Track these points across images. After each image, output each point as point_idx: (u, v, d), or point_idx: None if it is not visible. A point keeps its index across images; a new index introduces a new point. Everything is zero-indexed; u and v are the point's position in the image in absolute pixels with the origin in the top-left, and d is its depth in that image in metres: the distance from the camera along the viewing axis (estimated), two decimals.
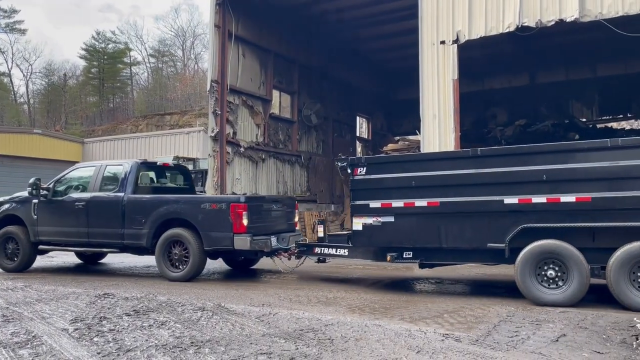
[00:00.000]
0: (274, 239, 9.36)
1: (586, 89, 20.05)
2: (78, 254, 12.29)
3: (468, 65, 15.81)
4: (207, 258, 9.54)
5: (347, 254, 8.83)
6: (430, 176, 7.81)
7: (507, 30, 11.62)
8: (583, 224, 6.70)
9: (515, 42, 15.33)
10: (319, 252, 9.29)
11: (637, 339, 5.13)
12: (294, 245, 9.69)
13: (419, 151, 13.39)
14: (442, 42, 12.34)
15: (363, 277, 9.87)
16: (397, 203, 7.94)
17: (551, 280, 6.77)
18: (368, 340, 5.07)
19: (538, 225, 6.91)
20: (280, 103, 18.61)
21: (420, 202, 7.79)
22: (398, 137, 23.51)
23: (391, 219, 8.00)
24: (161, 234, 9.36)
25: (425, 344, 4.93)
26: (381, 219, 8.02)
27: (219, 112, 15.25)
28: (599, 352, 4.78)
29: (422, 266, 8.04)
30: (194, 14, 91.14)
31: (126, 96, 50.24)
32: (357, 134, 23.50)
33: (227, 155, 15.46)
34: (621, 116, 20.65)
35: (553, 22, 11.08)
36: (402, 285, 9.03)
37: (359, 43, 20.07)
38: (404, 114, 23.68)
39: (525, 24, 11.34)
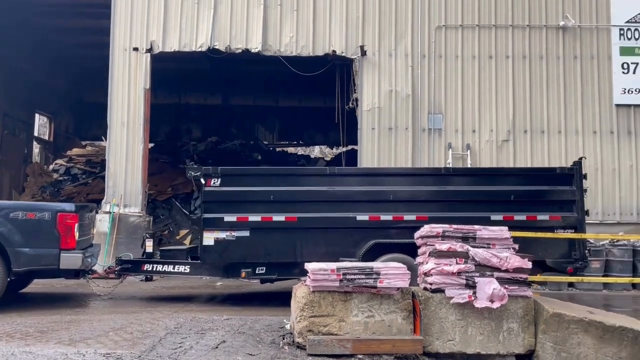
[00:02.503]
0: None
1: (269, 115, 22.44)
2: None
3: (166, 77, 15.85)
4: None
5: (188, 270, 7.87)
6: (289, 191, 7.79)
7: (200, 50, 12.08)
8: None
9: (212, 62, 16.13)
10: (149, 269, 8.27)
11: (283, 338, 5.84)
12: (114, 262, 8.55)
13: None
14: (135, 49, 12.00)
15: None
16: (254, 217, 7.71)
17: None
18: None
19: (387, 240, 7.27)
20: None
21: (278, 217, 7.66)
22: (86, 142, 21.71)
23: (247, 233, 7.71)
24: None
25: None
26: (235, 233, 7.66)
27: None
28: (251, 354, 5.24)
29: (263, 281, 7.80)
30: None
31: None
32: (36, 134, 20.67)
33: None
34: (295, 142, 23.87)
35: (240, 50, 12.05)
36: (74, 304, 8.20)
37: (46, 31, 17.81)
38: (94, 117, 21.91)
39: (217, 47, 12.00)
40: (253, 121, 22.79)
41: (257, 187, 7.95)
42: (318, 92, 18.29)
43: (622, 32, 12.03)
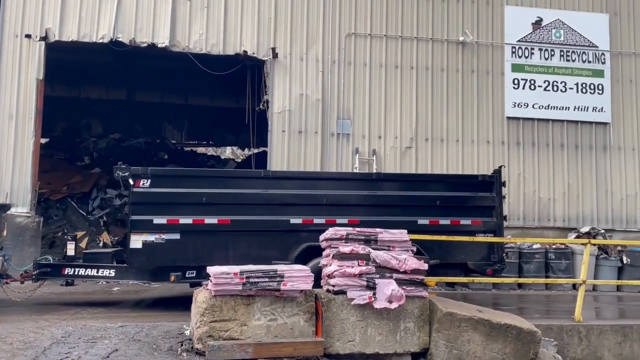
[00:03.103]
0: None
1: (178, 113, 21.70)
2: None
3: (64, 68, 14.76)
4: None
5: (114, 274, 7.69)
6: (222, 193, 7.69)
7: (102, 41, 11.43)
8: None
9: (116, 55, 15.28)
10: (71, 273, 7.89)
11: (182, 344, 5.63)
12: (31, 265, 7.99)
13: None
14: (28, 36, 11.11)
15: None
16: (186, 219, 7.52)
17: None
18: None
19: (320, 243, 6.96)
20: None
21: (211, 220, 7.52)
22: None
23: (177, 236, 7.51)
24: None
25: None
26: (165, 236, 7.45)
27: None
28: None
29: (192, 285, 7.44)
30: None
31: None
32: None
33: None
34: (205, 142, 23.29)
35: (146, 45, 11.55)
36: None
37: None
38: None
39: (120, 40, 11.41)
40: (160, 119, 21.92)
41: (188, 188, 7.74)
42: (230, 92, 18.00)
43: (514, 50, 13.04)
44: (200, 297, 5.48)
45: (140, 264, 7.65)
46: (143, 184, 7.64)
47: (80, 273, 7.96)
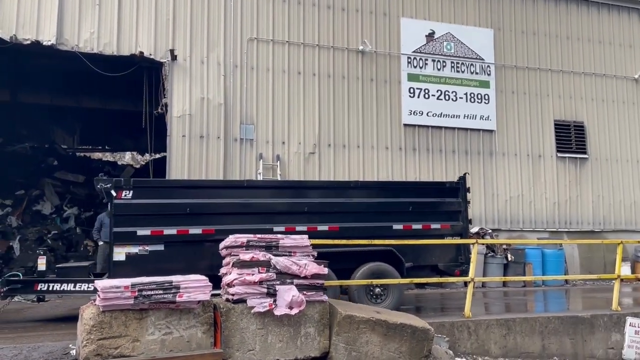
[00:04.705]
0: None
1: (69, 117, 20.26)
2: None
3: None
4: None
5: (92, 288, 7.35)
6: (206, 204, 7.73)
7: None
8: (333, 250, 7.27)
9: None
10: (44, 289, 7.68)
11: None
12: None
13: None
14: None
15: None
16: (170, 230, 7.54)
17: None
18: None
19: None
20: None
21: (195, 230, 7.53)
22: None
23: (161, 247, 7.50)
24: None
25: None
26: (149, 248, 7.44)
27: None
28: None
29: None
30: None
31: None
32: None
33: None
34: (100, 147, 21.95)
35: (29, 42, 10.67)
36: None
37: None
38: None
39: None
40: (49, 122, 20.34)
41: (172, 199, 7.71)
42: (126, 94, 17.05)
43: (409, 60, 13.67)
44: (87, 313, 5.11)
45: (124, 277, 7.13)
46: (125, 195, 7.54)
47: (55, 288, 7.76)
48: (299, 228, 7.90)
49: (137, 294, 5.11)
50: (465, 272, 8.70)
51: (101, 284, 5.15)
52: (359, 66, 13.24)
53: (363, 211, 8.45)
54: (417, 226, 8.57)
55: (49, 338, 6.35)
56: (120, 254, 7.48)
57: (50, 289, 7.76)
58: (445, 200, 8.92)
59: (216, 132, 11.96)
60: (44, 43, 10.76)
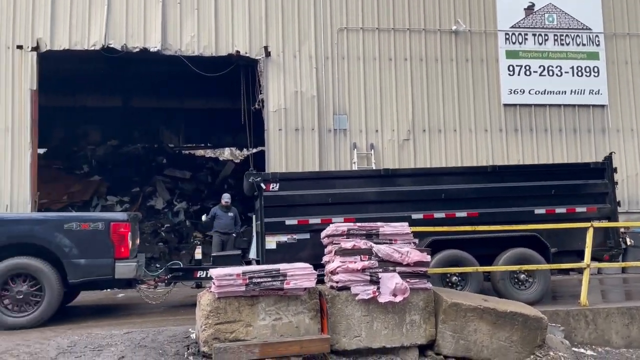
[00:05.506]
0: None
1: (174, 117, 21.66)
2: None
3: (57, 77, 14.72)
4: None
5: None
6: (347, 193, 8.04)
7: (94, 48, 11.40)
8: (475, 236, 7.46)
9: (110, 62, 15.25)
10: (202, 276, 8.32)
11: (188, 348, 5.63)
12: (162, 270, 8.49)
13: None
14: (19, 47, 11.07)
15: None
16: (314, 220, 7.83)
17: (452, 284, 7.74)
18: None
19: (443, 237, 7.41)
20: None
21: (338, 219, 7.61)
22: None
23: (307, 235, 7.83)
24: None
25: None
26: (296, 236, 7.83)
27: None
28: None
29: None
30: None
31: None
32: None
33: None
34: (203, 145, 23.24)
35: (138, 49, 11.51)
36: None
37: None
38: None
39: (112, 46, 11.38)
40: (157, 123, 21.87)
41: (315, 190, 8.12)
42: (224, 93, 17.90)
43: (507, 36, 12.98)
44: (204, 300, 5.47)
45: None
46: (273, 187, 8.01)
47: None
48: (437, 215, 8.03)
49: (247, 281, 5.37)
50: (614, 257, 8.29)
51: (215, 272, 5.48)
52: (452, 47, 12.80)
53: (503, 196, 8.29)
54: (560, 210, 8.25)
55: (170, 323, 6.89)
56: (271, 242, 7.97)
57: (208, 275, 8.14)
58: (589, 182, 8.49)
59: (310, 124, 12.18)
60: (151, 49, 11.57)
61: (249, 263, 8.52)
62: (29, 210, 10.87)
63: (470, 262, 7.58)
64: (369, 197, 8.17)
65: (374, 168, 11.83)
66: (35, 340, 6.11)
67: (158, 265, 9.24)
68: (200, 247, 9.09)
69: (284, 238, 7.97)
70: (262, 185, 7.98)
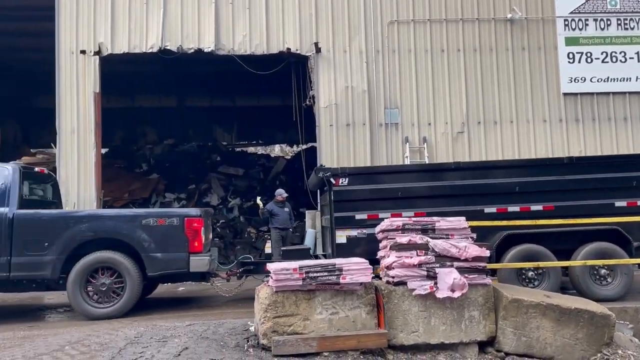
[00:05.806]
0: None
1: (227, 116, 22.14)
2: None
3: (117, 79, 15.36)
4: None
5: None
6: (416, 187, 7.91)
7: (151, 51, 11.80)
8: (552, 230, 7.35)
9: (165, 63, 15.77)
10: None
11: (248, 340, 5.75)
12: (234, 263, 8.72)
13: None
14: (83, 52, 11.61)
15: None
16: (384, 214, 7.58)
17: (528, 280, 7.54)
18: None
19: (518, 231, 7.28)
20: None
21: (407, 213, 7.44)
22: (36, 150, 20.87)
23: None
24: (74, 261, 7.43)
25: None
26: (366, 231, 7.70)
27: None
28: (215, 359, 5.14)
29: None
30: None
31: None
32: None
33: None
34: (254, 142, 23.65)
35: (193, 50, 11.82)
36: (29, 318, 7.87)
37: None
38: (45, 123, 20.97)
39: (168, 48, 11.75)
40: (210, 122, 22.43)
41: (384, 184, 8.02)
42: (275, 90, 18.14)
43: (566, 22, 12.45)
44: (262, 293, 5.57)
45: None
46: (342, 182, 7.96)
47: None
48: (510, 209, 7.79)
49: (304, 275, 5.43)
50: None
51: (273, 266, 5.57)
52: (507, 36, 12.41)
53: (580, 188, 7.93)
54: None
55: (230, 316, 7.07)
56: (341, 237, 7.94)
57: None
58: None
59: (361, 118, 12.15)
60: (205, 50, 11.87)
61: (315, 257, 8.54)
62: (95, 207, 11.42)
63: (547, 257, 7.35)
64: (440, 191, 7.99)
65: (427, 162, 11.67)
66: (105, 331, 6.43)
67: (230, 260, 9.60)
68: (269, 241, 9.10)
69: (354, 232, 7.91)
70: (332, 180, 7.94)
